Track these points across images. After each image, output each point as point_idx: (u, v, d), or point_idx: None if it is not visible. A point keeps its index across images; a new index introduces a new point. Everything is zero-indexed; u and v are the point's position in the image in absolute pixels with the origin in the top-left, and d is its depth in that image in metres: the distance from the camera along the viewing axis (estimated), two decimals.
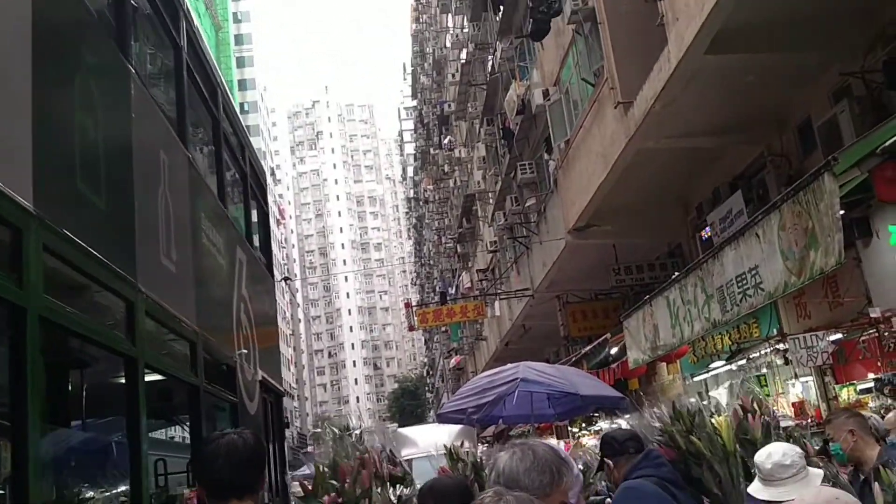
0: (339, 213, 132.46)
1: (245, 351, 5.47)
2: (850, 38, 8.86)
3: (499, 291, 24.77)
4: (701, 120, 11.04)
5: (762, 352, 11.21)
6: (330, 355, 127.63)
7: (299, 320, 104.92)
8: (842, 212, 6.18)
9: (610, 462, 4.03)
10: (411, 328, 30.17)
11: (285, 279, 60.40)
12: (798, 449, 3.72)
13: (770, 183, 11.05)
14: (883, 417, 6.96)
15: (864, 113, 8.82)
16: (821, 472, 3.65)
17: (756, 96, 10.32)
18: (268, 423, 6.59)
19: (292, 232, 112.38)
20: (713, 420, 3.98)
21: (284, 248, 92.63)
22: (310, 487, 3.78)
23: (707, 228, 12.64)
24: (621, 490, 3.66)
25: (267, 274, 7.96)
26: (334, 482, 3.78)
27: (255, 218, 7.56)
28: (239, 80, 69.42)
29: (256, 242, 7.64)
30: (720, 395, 12.68)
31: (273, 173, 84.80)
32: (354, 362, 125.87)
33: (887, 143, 5.91)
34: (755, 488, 3.61)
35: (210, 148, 5.82)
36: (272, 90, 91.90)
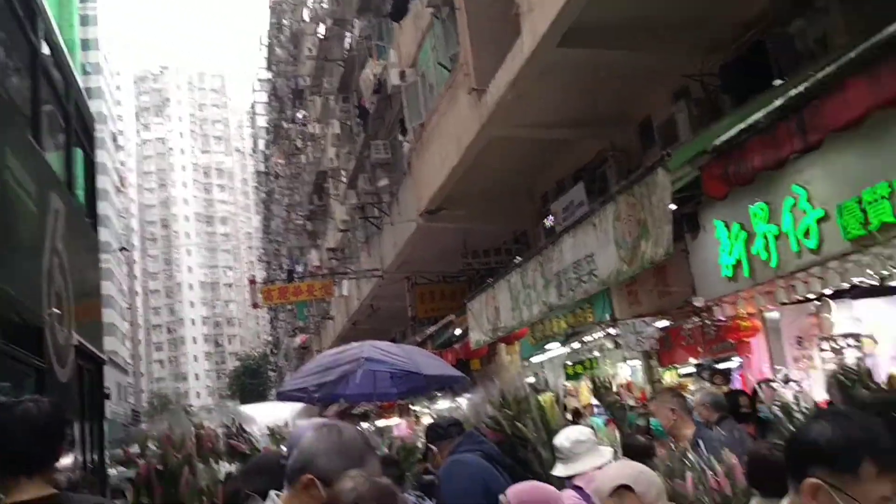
0: (185, 183, 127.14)
1: (57, 311, 4.93)
2: (691, 41, 9.36)
3: (348, 271, 24.64)
4: (551, 112, 11.35)
5: (595, 336, 11.72)
6: (169, 331, 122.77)
7: (137, 293, 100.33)
8: (673, 206, 6.53)
9: (434, 447, 4.19)
10: (255, 305, 29.41)
11: (122, 249, 57.29)
12: (589, 430, 4.18)
13: (610, 176, 11.55)
14: None
15: (700, 114, 9.36)
16: (610, 448, 4.08)
17: (604, 92, 10.71)
18: (84, 394, 6.07)
19: (133, 201, 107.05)
20: (541, 397, 4.14)
21: (124, 217, 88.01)
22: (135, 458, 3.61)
23: (551, 217, 13.06)
24: (447, 463, 3.79)
25: (91, 230, 7.30)
26: (155, 446, 3.63)
27: (79, 167, 6.97)
28: (82, 40, 65.06)
29: (81, 195, 7.06)
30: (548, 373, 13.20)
31: (115, 139, 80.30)
32: (195, 339, 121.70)
33: (717, 143, 6.29)
34: (557, 470, 3.89)
35: (25, 79, 5.21)
36: (122, 53, 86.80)
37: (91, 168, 7.74)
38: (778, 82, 6.90)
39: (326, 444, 2.08)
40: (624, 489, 2.67)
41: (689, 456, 3.54)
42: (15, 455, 2.36)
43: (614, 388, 5.43)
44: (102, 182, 66.92)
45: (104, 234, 64.77)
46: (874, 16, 7.00)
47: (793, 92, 5.22)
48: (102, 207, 65.05)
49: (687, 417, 5.34)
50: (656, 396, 5.74)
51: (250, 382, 77.20)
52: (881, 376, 4.98)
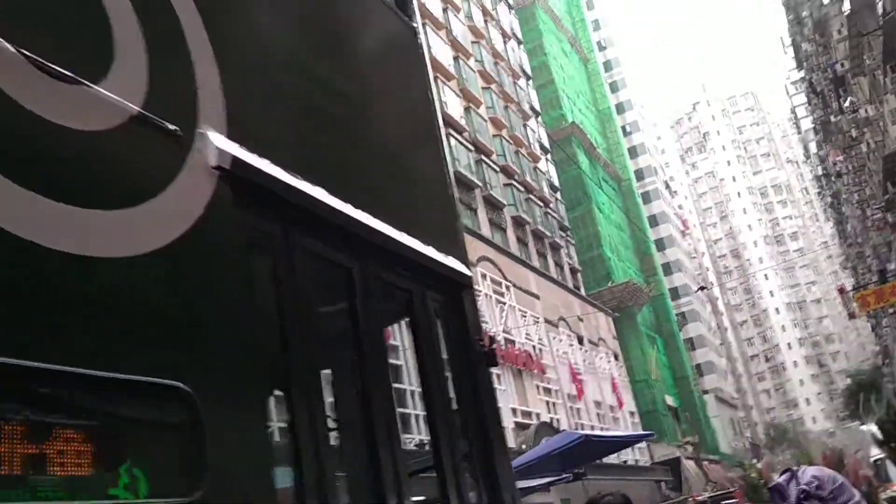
0: (744, 210, 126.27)
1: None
2: None
3: None
4: None
5: None
6: (767, 359, 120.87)
7: (726, 328, 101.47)
8: None
9: None
10: (852, 315, 27.43)
11: (701, 289, 59.02)
12: None
13: None
14: None
15: None
16: None
17: None
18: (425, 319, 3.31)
19: (699, 240, 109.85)
20: None
21: (695, 257, 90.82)
22: None
23: None
24: None
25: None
26: None
27: None
28: (616, 105, 70.10)
29: None
30: None
31: (668, 187, 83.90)
32: (795, 363, 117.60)
33: None
34: None
35: None
36: (648, 103, 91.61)
37: None
38: None
39: None
40: None
41: None
42: None
43: None
44: (666, 230, 70.14)
45: (679, 279, 67.28)
46: None
47: None
48: (672, 253, 67.94)
49: None
50: None
51: (868, 398, 71.34)
52: None
